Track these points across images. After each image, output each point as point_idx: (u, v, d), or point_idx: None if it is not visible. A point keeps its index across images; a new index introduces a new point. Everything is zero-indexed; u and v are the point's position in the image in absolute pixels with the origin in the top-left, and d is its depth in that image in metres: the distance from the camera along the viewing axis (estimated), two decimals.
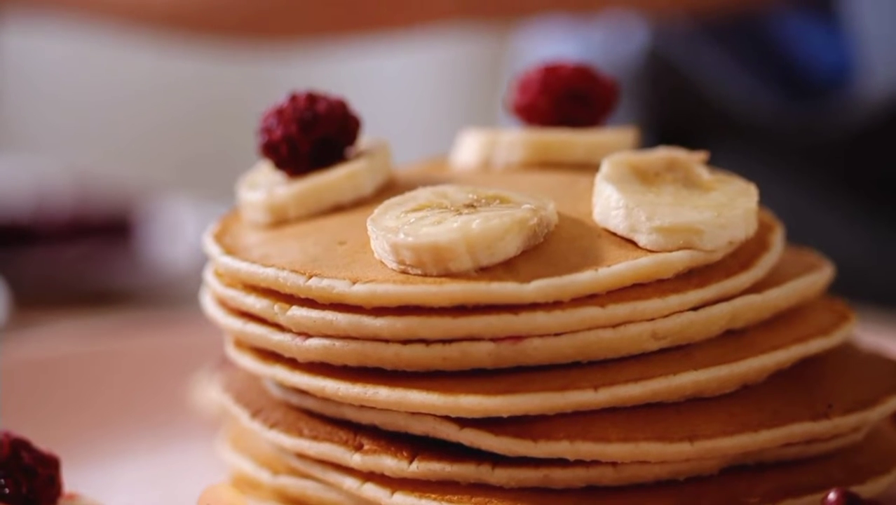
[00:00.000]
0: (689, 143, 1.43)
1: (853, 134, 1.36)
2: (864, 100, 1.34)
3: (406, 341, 0.71)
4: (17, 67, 2.89)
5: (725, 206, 0.74)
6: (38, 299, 1.36)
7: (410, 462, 0.73)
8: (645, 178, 0.76)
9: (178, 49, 1.47)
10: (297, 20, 1.38)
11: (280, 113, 0.80)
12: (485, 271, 0.71)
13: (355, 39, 1.40)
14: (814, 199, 1.43)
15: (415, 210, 0.73)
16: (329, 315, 0.72)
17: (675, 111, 1.49)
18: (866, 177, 1.41)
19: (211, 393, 0.98)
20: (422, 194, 0.75)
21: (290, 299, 0.74)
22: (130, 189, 1.65)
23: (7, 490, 0.73)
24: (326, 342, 0.73)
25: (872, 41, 1.33)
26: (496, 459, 0.72)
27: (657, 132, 1.49)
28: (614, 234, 0.74)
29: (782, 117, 1.40)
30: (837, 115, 1.36)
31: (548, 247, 0.73)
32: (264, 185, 0.82)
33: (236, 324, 0.77)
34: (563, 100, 0.85)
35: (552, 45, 1.62)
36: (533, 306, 0.70)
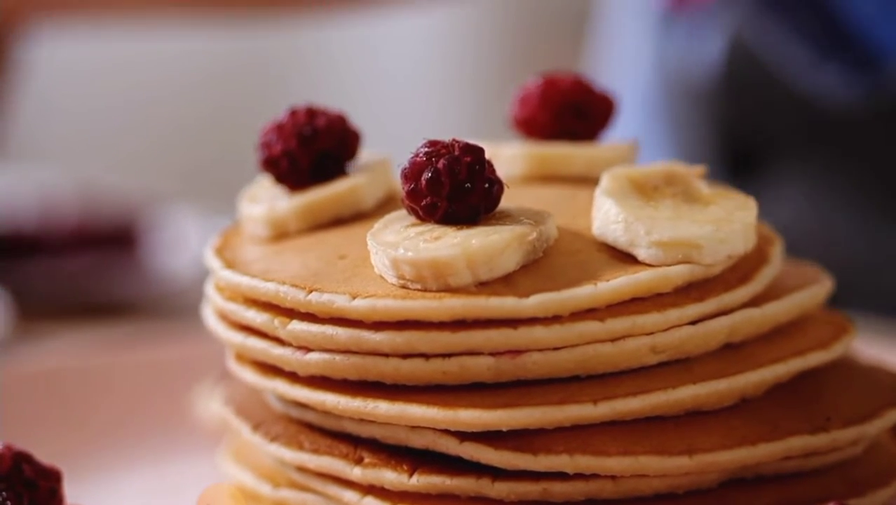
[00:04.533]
0: (760, 148, 1.41)
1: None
2: None
3: (406, 356, 0.72)
4: (22, 76, 2.89)
5: (724, 220, 0.74)
6: (42, 310, 1.36)
7: (411, 476, 0.73)
8: (644, 192, 0.76)
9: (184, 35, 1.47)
10: None
11: (279, 128, 0.81)
12: (484, 286, 0.71)
13: (359, 6, 1.39)
14: (889, 206, 1.40)
15: (415, 225, 0.73)
16: (329, 329, 0.73)
17: (751, 112, 1.47)
18: None
19: (212, 406, 0.98)
20: None
21: (291, 313, 0.74)
22: (134, 200, 1.66)
23: (8, 503, 0.73)
24: (327, 356, 0.73)
25: None
26: (496, 473, 0.72)
27: (729, 137, 1.47)
28: (613, 248, 0.74)
29: (836, 90, 1.38)
30: (889, 90, 1.35)
31: (547, 261, 0.73)
32: (265, 200, 0.82)
33: (237, 338, 0.78)
34: (562, 113, 0.86)
35: (625, 47, 1.61)
36: (532, 321, 0.70)
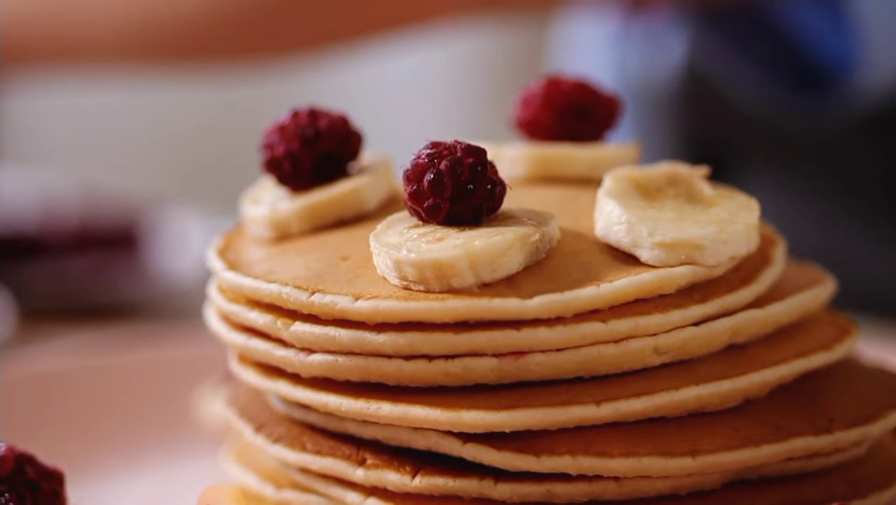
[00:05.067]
0: (723, 156, 1.44)
1: (855, 126, 1.37)
2: (866, 91, 1.34)
3: (409, 357, 0.72)
4: (24, 78, 2.89)
5: (727, 221, 0.74)
6: (44, 312, 1.36)
7: (413, 477, 0.73)
8: (647, 193, 0.76)
9: (182, 73, 1.47)
10: (291, 33, 1.38)
11: (282, 129, 0.81)
12: (487, 287, 0.71)
13: (357, 44, 1.40)
14: (845, 214, 1.42)
15: (417, 226, 0.73)
16: (332, 331, 0.73)
17: (710, 123, 1.49)
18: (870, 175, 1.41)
19: (215, 407, 0.98)
20: None
21: (294, 315, 0.74)
22: (136, 201, 1.66)
23: None
24: (329, 358, 0.73)
25: (875, 32, 1.33)
26: (499, 474, 0.72)
27: (692, 144, 1.49)
28: (616, 249, 0.74)
29: (789, 109, 1.40)
30: (841, 107, 1.36)
31: (550, 262, 0.73)
32: (267, 201, 0.82)
33: (240, 339, 0.78)
34: (565, 114, 0.85)
35: (587, 57, 1.62)
36: (535, 322, 0.70)
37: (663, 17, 1.47)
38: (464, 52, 2.88)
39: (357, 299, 0.72)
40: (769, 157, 1.44)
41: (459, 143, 0.73)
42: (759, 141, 1.45)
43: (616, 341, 0.71)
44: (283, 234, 0.81)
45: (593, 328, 0.71)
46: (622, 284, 0.71)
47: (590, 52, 1.62)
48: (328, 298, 0.72)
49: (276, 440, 0.78)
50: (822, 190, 1.42)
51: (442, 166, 0.72)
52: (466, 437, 0.72)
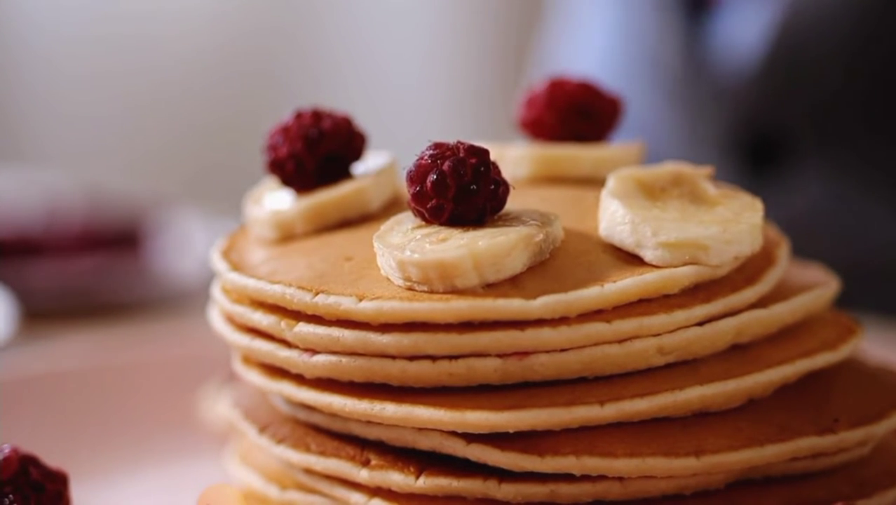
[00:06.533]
0: (788, 135, 1.41)
1: None
2: None
3: (412, 357, 0.72)
4: (27, 80, 2.89)
5: (731, 221, 0.74)
6: (48, 312, 1.36)
7: (417, 477, 0.73)
8: (651, 193, 0.76)
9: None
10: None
11: (285, 130, 0.81)
12: (491, 288, 0.71)
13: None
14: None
15: (421, 227, 0.73)
16: (336, 331, 0.73)
17: (787, 97, 1.47)
18: None
19: (218, 407, 0.99)
20: None
21: (298, 316, 0.74)
22: (140, 202, 1.66)
23: None
24: (333, 358, 0.73)
25: None
26: (503, 474, 0.72)
27: (753, 125, 1.47)
28: (620, 249, 0.74)
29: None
30: None
31: (554, 262, 0.73)
32: (271, 202, 0.82)
33: (244, 340, 0.78)
34: (568, 115, 0.86)
35: (587, 45, 1.61)
36: (539, 322, 0.70)
37: None
38: (466, 52, 2.88)
39: (361, 300, 0.72)
40: (853, 127, 1.41)
41: (462, 143, 0.73)
42: (850, 105, 1.42)
43: (620, 341, 0.71)
44: (286, 235, 0.81)
45: (597, 328, 0.71)
46: (626, 284, 0.71)
47: (596, 41, 1.60)
48: (332, 299, 0.72)
49: (281, 441, 0.78)
50: (888, 178, 1.40)
51: (445, 167, 0.72)
52: (470, 437, 0.72)
